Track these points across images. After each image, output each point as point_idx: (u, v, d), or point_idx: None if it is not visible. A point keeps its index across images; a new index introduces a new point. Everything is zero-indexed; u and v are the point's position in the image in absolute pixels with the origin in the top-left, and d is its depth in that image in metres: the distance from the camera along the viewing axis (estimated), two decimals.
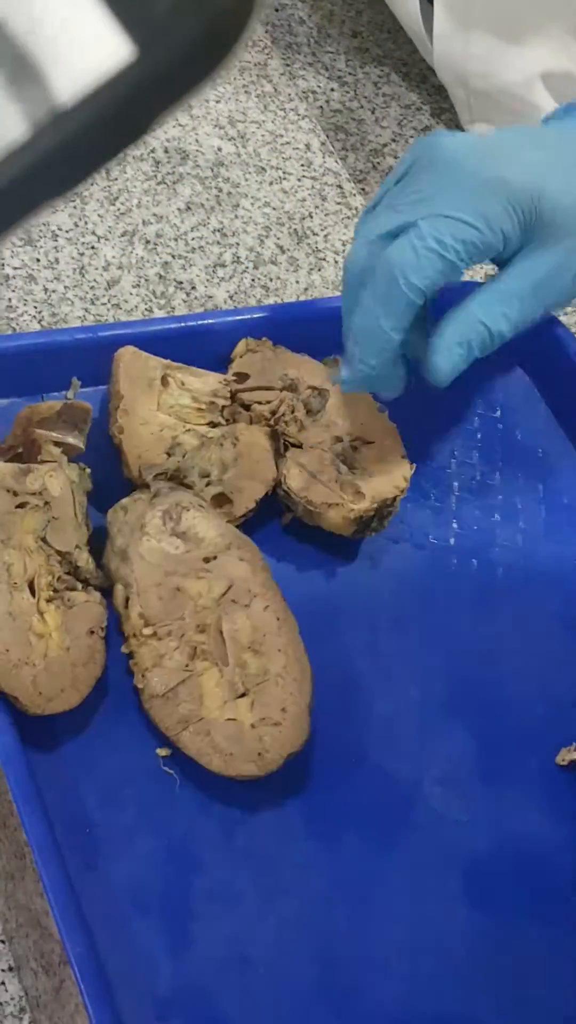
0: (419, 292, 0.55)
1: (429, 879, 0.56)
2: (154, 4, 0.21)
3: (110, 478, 0.63)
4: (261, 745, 0.54)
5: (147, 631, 0.55)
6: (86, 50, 0.22)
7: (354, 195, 0.83)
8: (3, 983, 0.58)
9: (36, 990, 0.56)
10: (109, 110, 0.22)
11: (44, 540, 0.56)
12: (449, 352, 0.57)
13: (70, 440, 0.60)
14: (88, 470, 0.60)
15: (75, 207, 0.74)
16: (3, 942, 0.58)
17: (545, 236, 0.56)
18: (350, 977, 0.53)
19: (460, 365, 0.58)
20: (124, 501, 0.59)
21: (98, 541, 0.60)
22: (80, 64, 0.22)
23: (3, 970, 0.58)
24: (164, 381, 0.65)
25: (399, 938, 0.54)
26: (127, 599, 0.56)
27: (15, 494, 0.56)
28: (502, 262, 0.59)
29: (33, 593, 0.54)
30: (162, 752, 0.56)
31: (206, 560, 0.58)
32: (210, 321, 0.69)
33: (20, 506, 0.56)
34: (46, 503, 0.57)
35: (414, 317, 0.57)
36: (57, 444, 0.59)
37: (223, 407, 0.66)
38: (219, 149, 0.82)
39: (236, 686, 0.55)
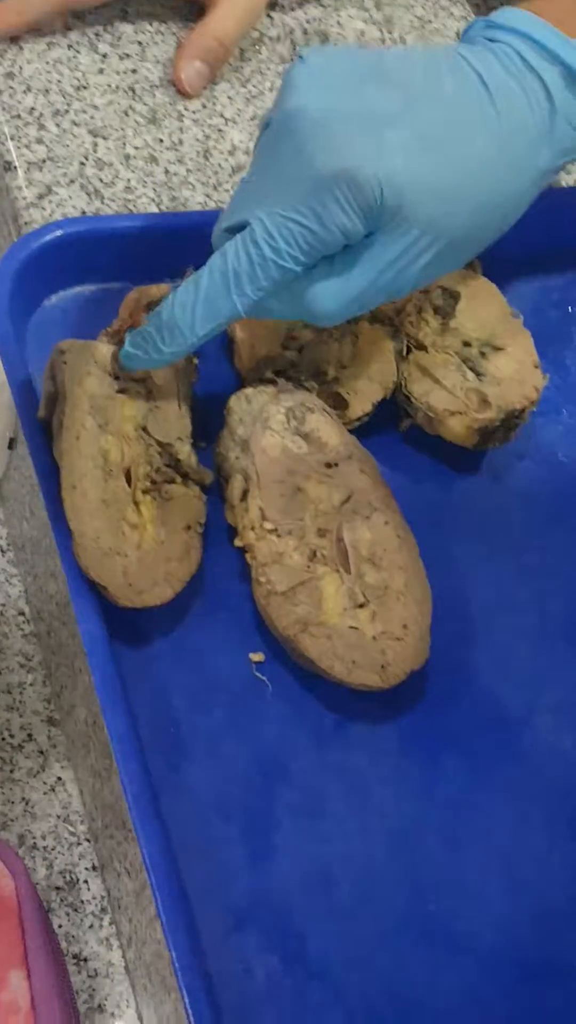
0: (249, 303, 0.50)
1: (534, 812, 0.53)
2: None
3: (218, 371, 0.60)
4: (384, 658, 0.51)
5: (268, 525, 0.52)
6: None
7: None
8: (87, 882, 0.57)
9: (118, 891, 0.55)
10: None
11: (144, 429, 0.53)
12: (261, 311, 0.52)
13: None
14: (195, 360, 0.57)
15: (203, 88, 0.71)
16: (89, 841, 0.57)
17: (391, 227, 0.49)
18: (440, 907, 0.50)
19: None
20: (247, 391, 0.56)
21: (204, 436, 0.58)
22: None
23: (87, 869, 0.57)
24: None
25: (497, 872, 0.51)
26: (245, 491, 0.54)
27: (116, 378, 0.53)
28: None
29: (129, 482, 0.52)
30: (255, 657, 0.53)
31: (328, 466, 0.55)
32: None
33: (121, 391, 0.53)
34: (148, 391, 0.54)
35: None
36: None
37: None
38: (362, 33, 0.76)
39: (356, 595, 0.52)
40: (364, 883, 0.49)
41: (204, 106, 0.70)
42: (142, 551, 0.51)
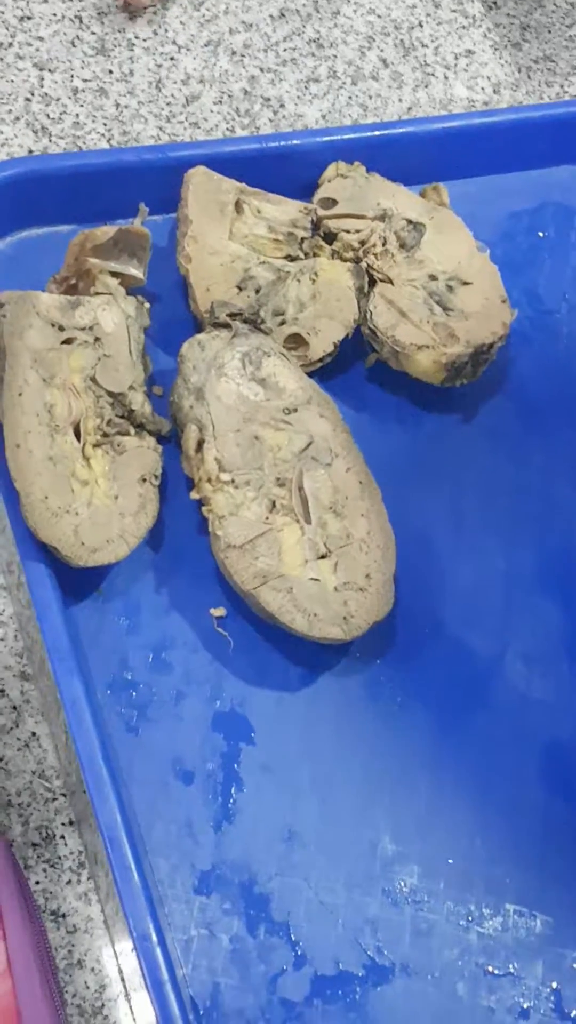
0: None
1: (504, 762, 0.52)
2: None
3: (175, 315, 0.58)
4: (346, 609, 0.50)
5: (224, 477, 0.51)
6: None
7: (472, 0, 0.74)
8: (63, 837, 0.56)
9: (94, 846, 0.54)
10: None
11: (94, 380, 0.51)
12: None
13: (130, 271, 0.55)
14: (147, 304, 0.55)
15: (154, 13, 0.67)
16: (64, 796, 0.57)
17: None
18: (410, 863, 0.49)
19: None
20: (201, 336, 0.54)
21: (160, 382, 0.56)
22: None
23: (64, 824, 0.56)
24: (238, 207, 0.59)
25: (467, 823, 0.50)
26: (200, 441, 0.52)
27: (61, 329, 0.51)
28: None
29: (79, 437, 0.50)
30: (216, 612, 0.52)
31: (286, 412, 0.53)
32: (296, 142, 0.62)
33: (67, 342, 0.51)
34: (97, 339, 0.52)
35: None
36: (115, 275, 0.54)
37: (302, 239, 0.60)
38: None
39: (317, 546, 0.51)
40: (331, 842, 0.48)
41: (155, 33, 0.67)
42: (94, 508, 0.49)
